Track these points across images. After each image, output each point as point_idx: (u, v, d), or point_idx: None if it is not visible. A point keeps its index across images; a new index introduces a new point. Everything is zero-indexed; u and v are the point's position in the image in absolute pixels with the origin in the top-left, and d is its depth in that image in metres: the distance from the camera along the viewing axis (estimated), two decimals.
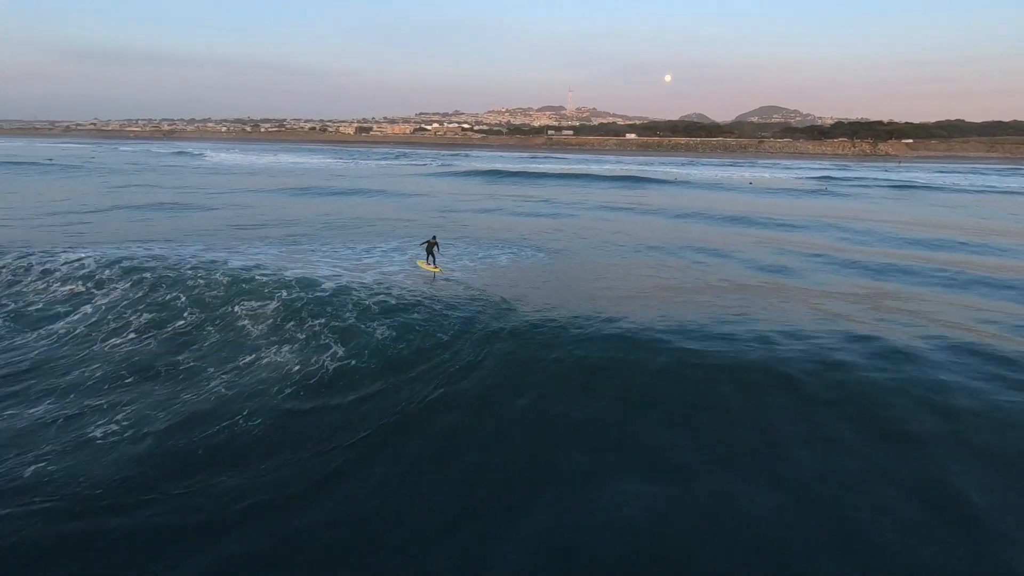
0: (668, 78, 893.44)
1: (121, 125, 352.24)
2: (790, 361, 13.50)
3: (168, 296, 18.27)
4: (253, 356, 14.53)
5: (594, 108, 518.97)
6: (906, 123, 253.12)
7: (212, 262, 21.64)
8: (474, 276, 21.96)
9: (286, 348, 14.66)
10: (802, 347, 14.39)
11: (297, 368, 13.66)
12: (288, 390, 12.79)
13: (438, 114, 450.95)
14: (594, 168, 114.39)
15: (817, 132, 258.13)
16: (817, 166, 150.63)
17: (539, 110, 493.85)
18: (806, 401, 12.19)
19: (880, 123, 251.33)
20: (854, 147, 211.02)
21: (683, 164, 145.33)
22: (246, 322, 16.28)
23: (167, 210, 40.43)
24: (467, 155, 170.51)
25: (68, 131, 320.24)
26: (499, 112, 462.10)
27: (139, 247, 24.85)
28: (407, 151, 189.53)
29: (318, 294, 17.59)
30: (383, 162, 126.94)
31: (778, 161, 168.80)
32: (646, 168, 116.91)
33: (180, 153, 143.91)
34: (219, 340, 15.72)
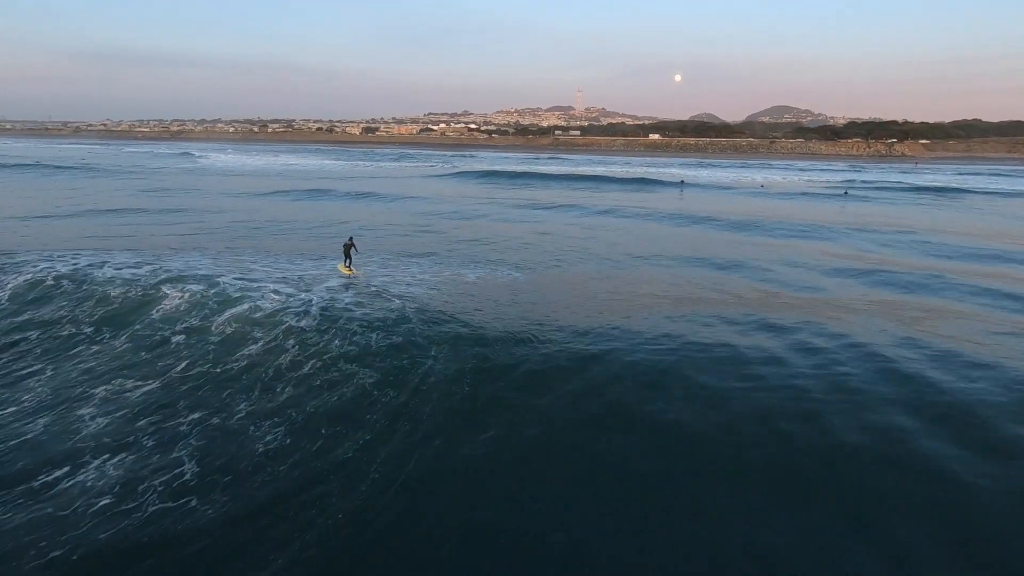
0: (678, 78, 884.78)
1: (131, 126, 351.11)
2: None
3: None
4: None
5: (603, 108, 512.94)
6: (921, 123, 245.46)
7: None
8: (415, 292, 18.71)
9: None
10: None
11: None
12: None
13: (447, 114, 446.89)
14: (599, 170, 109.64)
15: (830, 132, 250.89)
16: (830, 167, 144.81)
17: (548, 110, 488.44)
18: None
19: (894, 123, 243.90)
20: (868, 148, 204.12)
21: (692, 166, 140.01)
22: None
23: (114, 215, 37.51)
24: (471, 156, 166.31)
25: (78, 132, 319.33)
26: (508, 112, 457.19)
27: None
28: (409, 152, 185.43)
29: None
30: (382, 164, 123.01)
31: (791, 162, 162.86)
32: (651, 170, 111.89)
33: (183, 154, 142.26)
34: None
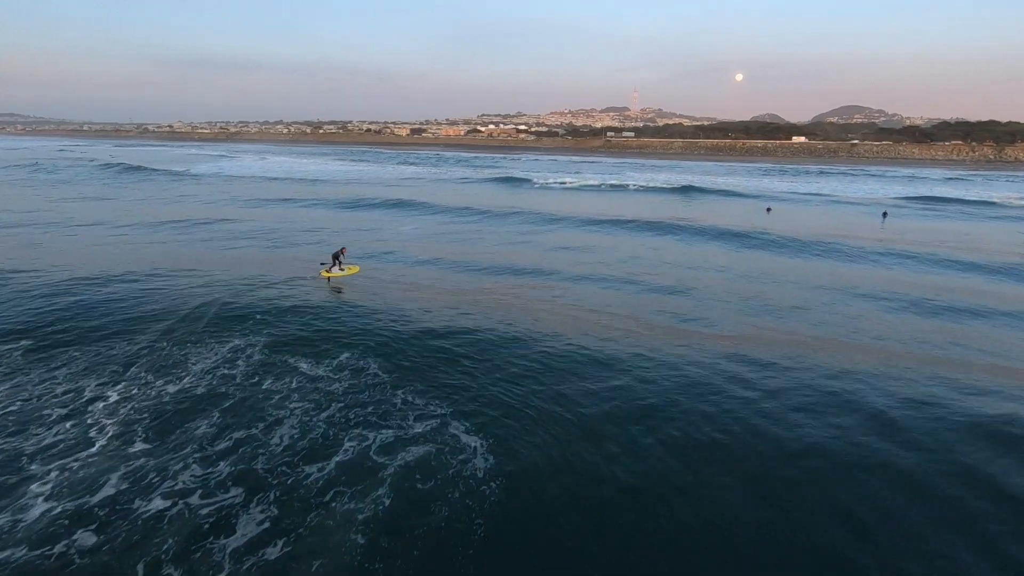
0: (739, 77, 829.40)
1: (193, 127, 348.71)
2: None
3: None
4: None
5: (659, 109, 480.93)
6: None
7: None
8: None
9: None
10: None
11: None
12: None
13: (499, 115, 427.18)
14: (637, 178, 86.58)
15: (918, 134, 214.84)
16: (938, 174, 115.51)
17: (603, 111, 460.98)
18: None
19: (995, 123, 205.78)
20: (973, 152, 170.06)
21: (762, 174, 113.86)
22: None
23: None
24: (515, 158, 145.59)
25: (144, 133, 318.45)
26: (561, 113, 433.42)
27: None
28: (443, 153, 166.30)
29: None
30: (398, 166, 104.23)
31: (885, 169, 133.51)
32: (704, 178, 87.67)
33: (221, 156, 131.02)
34: None
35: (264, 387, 13.00)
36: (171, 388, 12.87)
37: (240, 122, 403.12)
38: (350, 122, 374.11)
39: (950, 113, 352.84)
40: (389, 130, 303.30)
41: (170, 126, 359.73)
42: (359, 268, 23.40)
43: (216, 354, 14.67)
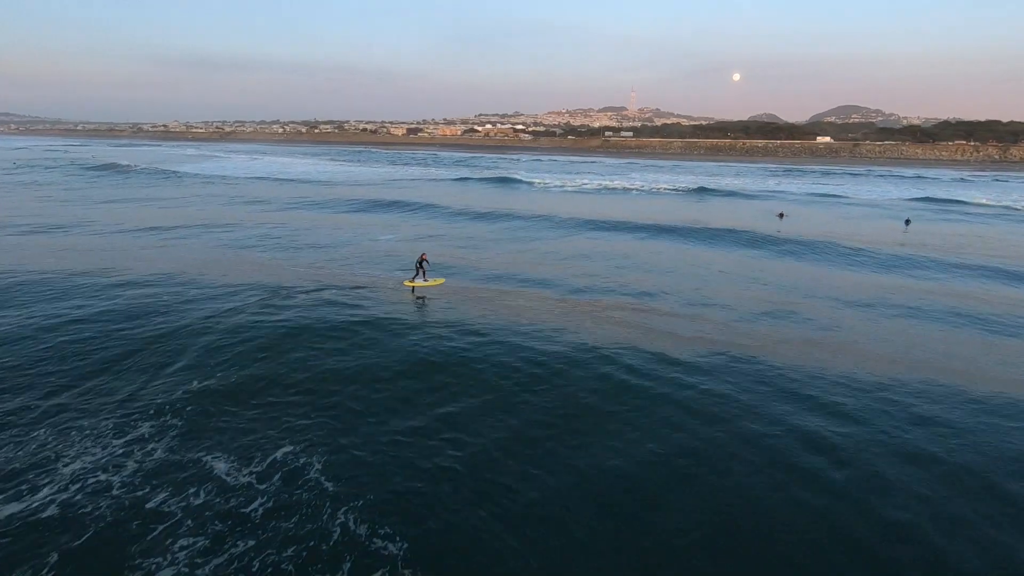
0: (736, 77, 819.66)
1: (188, 127, 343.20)
2: None
3: None
4: None
5: (657, 109, 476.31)
6: None
7: None
8: None
9: None
10: None
11: None
12: None
13: (497, 115, 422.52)
14: (636, 180, 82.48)
15: (920, 134, 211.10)
16: (947, 175, 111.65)
17: (600, 111, 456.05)
18: None
19: (998, 122, 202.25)
20: (977, 152, 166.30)
21: (768, 174, 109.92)
22: None
23: None
24: (514, 159, 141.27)
25: (138, 133, 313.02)
26: (558, 113, 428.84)
27: None
28: (439, 153, 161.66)
29: None
30: (387, 168, 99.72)
31: (890, 169, 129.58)
32: (713, 179, 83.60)
33: (208, 157, 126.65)
34: None
35: (152, 506, 8.81)
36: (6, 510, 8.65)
37: (236, 122, 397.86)
38: (347, 122, 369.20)
39: (947, 113, 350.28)
40: (385, 130, 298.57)
41: (165, 126, 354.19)
42: (443, 280, 21.75)
43: (104, 442, 10.46)
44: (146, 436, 10.77)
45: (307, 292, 19.47)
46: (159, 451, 10.30)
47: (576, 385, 13.25)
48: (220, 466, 9.87)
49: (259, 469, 9.77)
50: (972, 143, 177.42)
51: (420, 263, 21.10)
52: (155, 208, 45.58)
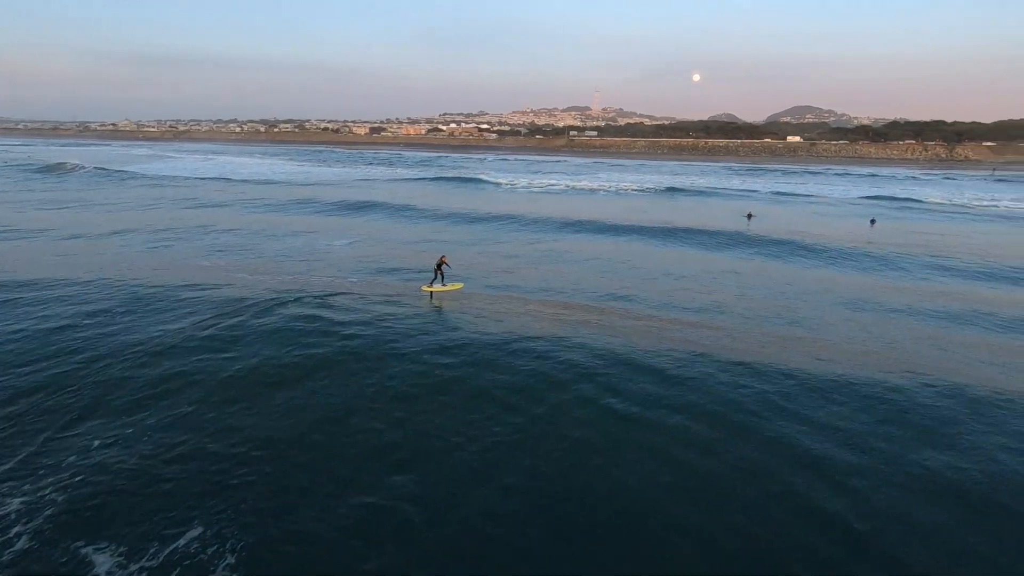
0: (696, 77, 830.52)
1: (139, 126, 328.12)
2: None
3: None
4: None
5: (620, 108, 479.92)
6: (973, 123, 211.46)
7: None
8: None
9: None
10: None
11: None
12: None
13: (462, 114, 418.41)
14: (603, 179, 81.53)
15: (872, 133, 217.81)
16: (901, 174, 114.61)
17: (564, 110, 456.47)
18: None
19: (944, 123, 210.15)
20: (926, 151, 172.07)
21: (732, 174, 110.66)
22: None
23: None
24: (480, 158, 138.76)
25: (84, 132, 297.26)
26: (523, 112, 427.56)
27: None
28: (404, 153, 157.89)
29: None
30: (345, 168, 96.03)
31: (847, 168, 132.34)
32: (682, 179, 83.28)
33: (157, 156, 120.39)
34: None
35: None
36: None
37: (191, 121, 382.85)
38: (307, 121, 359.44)
39: (895, 113, 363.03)
40: (348, 129, 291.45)
41: (114, 125, 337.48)
42: (462, 285, 20.53)
43: None
44: (12, 517, 8.28)
45: (257, 310, 16.93)
46: (23, 539, 7.84)
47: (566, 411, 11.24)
48: (102, 561, 7.48)
49: (152, 564, 7.42)
50: (921, 142, 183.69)
51: (439, 267, 19.66)
52: (93, 212, 41.74)
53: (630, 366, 13.76)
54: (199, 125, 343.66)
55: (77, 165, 79.82)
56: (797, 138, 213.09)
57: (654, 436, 10.83)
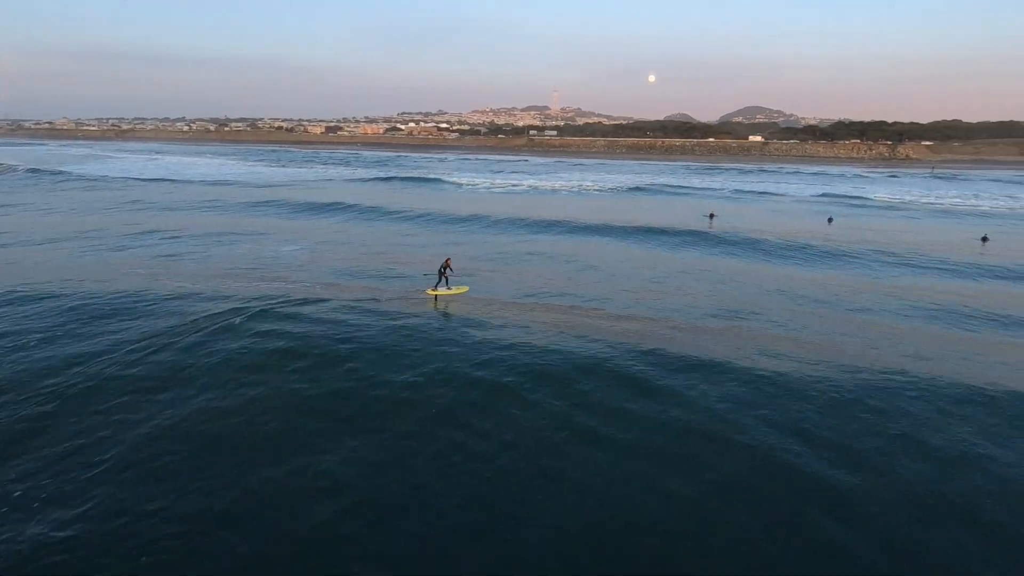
0: (652, 78, 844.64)
1: (77, 124, 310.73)
2: None
3: None
4: None
5: (579, 108, 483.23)
6: (911, 123, 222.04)
7: None
8: None
9: None
10: None
11: None
12: None
13: (420, 113, 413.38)
14: (565, 179, 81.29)
15: (819, 133, 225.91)
16: (850, 172, 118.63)
17: (523, 110, 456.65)
18: None
19: (885, 123, 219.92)
20: (871, 150, 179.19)
21: (690, 173, 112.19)
22: None
23: None
24: (441, 158, 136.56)
25: (15, 131, 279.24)
26: (483, 112, 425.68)
27: None
28: (361, 152, 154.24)
29: None
30: (300, 169, 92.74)
31: (798, 167, 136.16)
32: (646, 178, 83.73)
33: (97, 157, 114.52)
34: None
35: None
36: None
37: (136, 119, 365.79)
38: (260, 119, 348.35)
39: (839, 114, 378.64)
40: (303, 128, 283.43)
41: (51, 123, 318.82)
42: (468, 288, 19.93)
43: None
44: None
45: (198, 330, 15.11)
46: None
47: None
48: None
49: None
50: (865, 142, 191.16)
51: (443, 269, 19.11)
52: (23, 216, 38.29)
53: (603, 367, 12.69)
54: (144, 124, 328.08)
55: (9, 166, 74.33)
56: (759, 138, 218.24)
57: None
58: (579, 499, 9.09)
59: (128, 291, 18.86)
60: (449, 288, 19.30)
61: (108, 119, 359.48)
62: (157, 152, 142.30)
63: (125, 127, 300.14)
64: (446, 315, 17.36)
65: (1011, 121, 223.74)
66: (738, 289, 23.65)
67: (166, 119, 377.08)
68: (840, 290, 24.03)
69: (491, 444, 10.39)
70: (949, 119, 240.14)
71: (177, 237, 31.29)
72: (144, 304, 17.42)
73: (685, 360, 14.18)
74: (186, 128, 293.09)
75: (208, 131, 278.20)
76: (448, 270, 19.16)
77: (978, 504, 9.24)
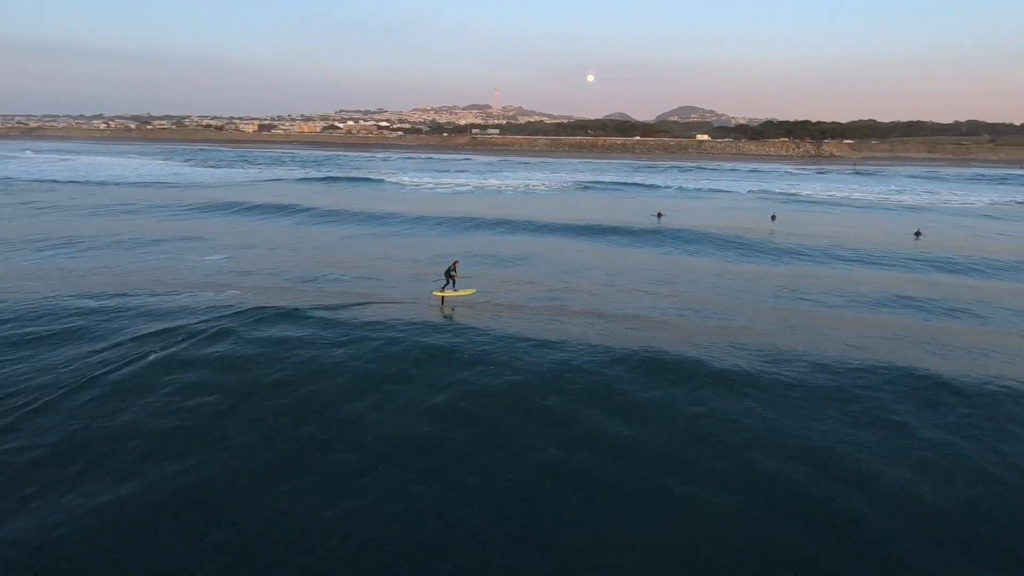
0: (590, 78, 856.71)
1: None
2: None
3: None
4: None
5: (520, 107, 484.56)
6: (833, 123, 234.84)
7: None
8: None
9: None
10: None
11: None
12: None
13: (360, 111, 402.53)
14: (510, 178, 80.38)
15: (750, 132, 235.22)
16: (781, 170, 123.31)
17: (465, 108, 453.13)
18: None
19: (810, 122, 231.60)
20: (798, 148, 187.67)
21: (632, 170, 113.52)
22: None
23: None
24: (384, 158, 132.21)
25: None
26: (424, 110, 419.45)
27: None
28: (298, 152, 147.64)
29: None
30: (221, 170, 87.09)
31: (734, 165, 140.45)
32: (592, 176, 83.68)
33: None
34: None
35: None
36: None
37: (46, 116, 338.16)
38: (188, 117, 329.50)
39: (767, 113, 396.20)
40: (234, 126, 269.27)
41: None
42: (474, 291, 19.65)
43: None
44: None
45: (93, 365, 12.42)
46: None
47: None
48: None
49: None
50: (793, 140, 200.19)
51: (450, 272, 19.09)
52: None
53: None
54: (55, 121, 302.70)
55: None
56: (705, 136, 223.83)
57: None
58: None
59: (19, 309, 15.74)
60: (456, 290, 19.26)
61: (13, 116, 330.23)
62: (70, 152, 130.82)
63: (33, 125, 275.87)
64: (449, 317, 16.55)
65: (918, 121, 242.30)
66: (693, 285, 22.76)
67: (81, 116, 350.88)
68: (799, 284, 23.57)
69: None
70: (866, 119, 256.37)
71: (80, 242, 27.52)
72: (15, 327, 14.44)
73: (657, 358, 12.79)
74: (103, 126, 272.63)
75: (129, 129, 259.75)
76: (455, 272, 19.30)
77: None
